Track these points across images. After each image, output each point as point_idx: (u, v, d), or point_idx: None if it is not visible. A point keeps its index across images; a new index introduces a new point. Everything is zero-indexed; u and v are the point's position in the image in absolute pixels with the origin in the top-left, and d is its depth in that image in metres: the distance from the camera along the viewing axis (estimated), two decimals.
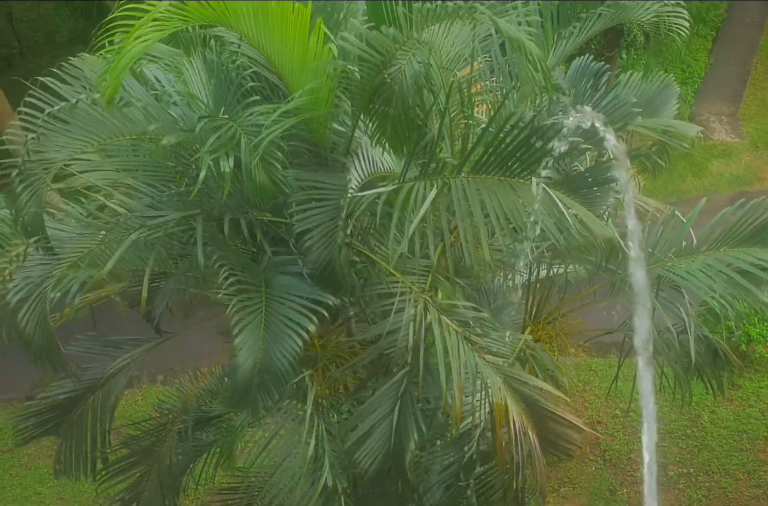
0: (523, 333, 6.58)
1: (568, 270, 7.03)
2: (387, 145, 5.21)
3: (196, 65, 5.29)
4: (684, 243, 6.41)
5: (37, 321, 5.18)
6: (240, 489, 7.26)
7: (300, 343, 5.11)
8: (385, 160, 5.53)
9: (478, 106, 5.93)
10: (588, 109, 5.29)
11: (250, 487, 7.05)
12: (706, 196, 6.77)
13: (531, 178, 4.57)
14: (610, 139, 5.10)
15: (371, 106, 4.97)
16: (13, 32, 16.52)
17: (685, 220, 6.44)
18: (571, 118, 5.07)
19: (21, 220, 4.75)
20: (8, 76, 14.88)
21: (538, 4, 5.89)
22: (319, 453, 5.92)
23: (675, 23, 6.16)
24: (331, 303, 5.27)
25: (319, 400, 6.05)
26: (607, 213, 5.52)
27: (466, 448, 6.28)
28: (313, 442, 5.79)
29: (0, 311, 5.34)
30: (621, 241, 5.60)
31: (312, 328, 5.14)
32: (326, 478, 5.87)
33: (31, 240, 4.84)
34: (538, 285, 6.80)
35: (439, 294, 5.50)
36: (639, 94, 6.82)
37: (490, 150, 4.67)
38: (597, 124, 5.10)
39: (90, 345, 6.93)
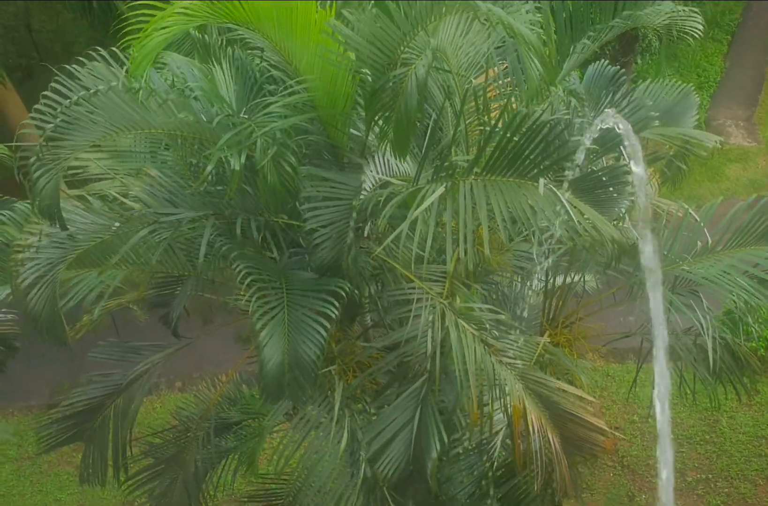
0: (541, 336, 6.58)
1: (586, 279, 7.03)
2: (391, 147, 5.25)
3: (223, 66, 5.35)
4: (699, 244, 6.40)
5: (47, 299, 5.27)
6: (277, 492, 7.33)
7: (324, 333, 5.14)
8: (400, 163, 5.56)
9: (494, 111, 5.96)
10: (611, 111, 5.28)
11: (287, 490, 7.10)
12: (723, 200, 6.72)
13: (540, 179, 4.58)
14: (631, 142, 5.10)
15: (375, 106, 5.02)
16: (33, 43, 16.69)
17: (699, 219, 6.43)
18: (595, 121, 5.07)
19: (38, 203, 4.82)
20: (28, 86, 15.05)
21: (552, 7, 5.91)
22: (354, 446, 5.93)
23: (689, 26, 6.16)
24: (346, 291, 5.28)
25: (347, 396, 6.07)
26: (623, 213, 5.51)
27: (485, 458, 6.28)
28: (345, 435, 5.79)
29: (16, 288, 5.44)
30: (637, 238, 5.60)
31: (334, 315, 5.16)
32: (364, 469, 5.88)
33: (44, 210, 4.88)
34: (556, 290, 6.79)
35: (458, 299, 5.51)
36: (657, 103, 6.82)
37: (499, 150, 4.68)
38: (619, 126, 5.10)
39: (111, 351, 6.99)
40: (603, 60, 6.82)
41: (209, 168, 4.68)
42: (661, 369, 6.06)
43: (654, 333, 5.90)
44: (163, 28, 4.21)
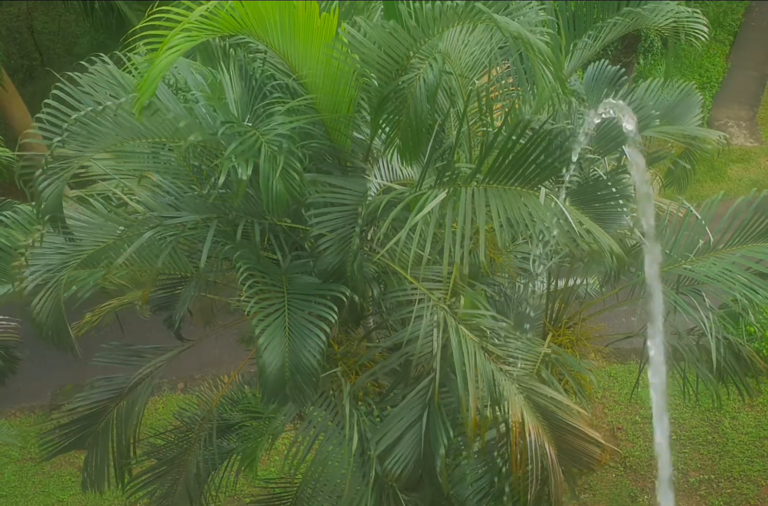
0: (544, 338, 6.58)
1: (588, 281, 7.02)
2: (399, 152, 5.24)
3: (226, 71, 5.35)
4: (701, 241, 6.39)
5: (51, 306, 5.26)
6: (285, 495, 7.33)
7: (324, 338, 5.13)
8: (404, 167, 5.56)
9: (496, 112, 5.95)
10: (621, 102, 5.25)
11: (296, 491, 7.09)
12: (725, 200, 6.69)
13: (541, 188, 4.57)
14: (633, 141, 5.09)
15: (384, 112, 5.01)
16: (35, 44, 16.73)
17: (700, 217, 6.42)
18: (600, 110, 5.05)
19: (41, 209, 4.81)
20: (30, 87, 15.07)
21: (555, 9, 5.90)
22: (364, 446, 5.91)
23: (693, 28, 6.16)
24: (347, 296, 5.29)
25: (353, 399, 6.05)
26: (628, 219, 5.49)
27: (496, 454, 6.25)
28: (356, 437, 5.77)
29: (17, 295, 5.42)
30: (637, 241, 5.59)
31: (334, 319, 5.15)
32: (375, 469, 5.86)
33: (47, 217, 4.86)
34: (559, 291, 6.78)
35: (461, 302, 5.50)
36: (659, 102, 6.80)
37: (502, 157, 4.68)
38: (625, 123, 5.08)
39: (114, 355, 6.97)
40: (603, 59, 6.80)
41: (221, 179, 4.64)
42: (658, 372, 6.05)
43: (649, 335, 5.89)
44: (172, 47, 4.20)
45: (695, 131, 6.70)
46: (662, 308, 5.97)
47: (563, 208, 4.56)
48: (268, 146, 4.74)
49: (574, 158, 4.92)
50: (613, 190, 5.07)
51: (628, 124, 5.13)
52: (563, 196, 4.77)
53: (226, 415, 7.19)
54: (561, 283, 6.69)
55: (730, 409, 11.09)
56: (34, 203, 4.88)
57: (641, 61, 16.05)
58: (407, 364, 5.73)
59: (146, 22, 4.43)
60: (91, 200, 5.65)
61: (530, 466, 5.42)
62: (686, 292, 6.50)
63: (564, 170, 4.76)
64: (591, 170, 5.60)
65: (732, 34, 17.62)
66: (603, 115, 5.19)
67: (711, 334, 6.22)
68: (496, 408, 5.44)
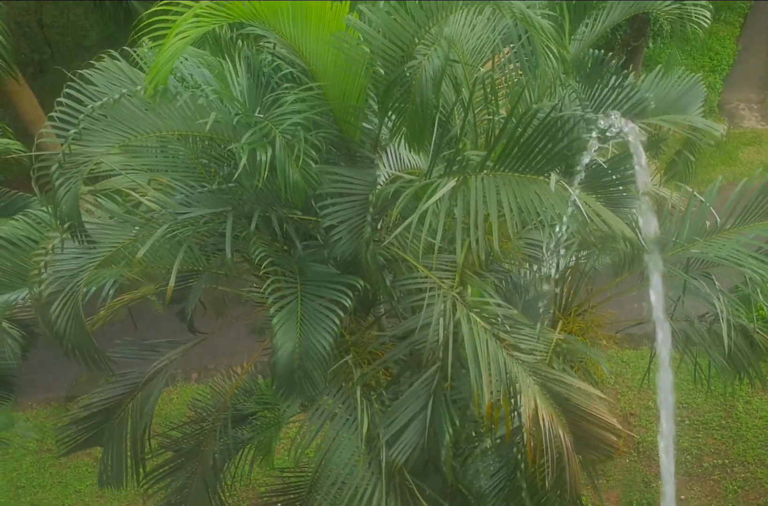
0: (554, 325, 6.58)
1: (596, 258, 6.99)
2: (405, 140, 5.24)
3: (232, 63, 5.35)
4: (708, 223, 6.38)
5: (70, 315, 5.22)
6: (301, 484, 7.36)
7: (337, 322, 5.14)
8: (413, 156, 5.56)
9: (501, 99, 5.94)
10: (615, 114, 5.25)
11: (311, 480, 7.10)
12: (734, 181, 6.67)
13: (551, 175, 4.57)
14: (633, 138, 5.07)
15: (390, 100, 5.02)
16: (44, 38, 16.77)
17: (704, 200, 6.41)
18: (599, 124, 5.05)
19: (58, 212, 4.80)
20: (40, 81, 15.12)
21: None
22: (372, 433, 5.88)
23: (696, 12, 6.13)
24: (360, 286, 5.30)
25: (363, 385, 6.05)
26: (635, 208, 5.48)
27: (515, 450, 6.23)
28: (366, 422, 5.75)
29: (35, 303, 5.38)
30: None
31: (348, 304, 5.16)
32: (383, 458, 5.83)
33: (66, 225, 4.85)
34: (567, 276, 6.77)
35: (469, 290, 5.50)
36: (663, 95, 6.77)
37: (510, 145, 4.68)
38: (623, 127, 5.06)
39: (128, 350, 6.99)
40: (592, 49, 6.72)
41: (243, 161, 4.65)
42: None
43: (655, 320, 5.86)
44: (181, 33, 4.21)
45: (697, 121, 6.65)
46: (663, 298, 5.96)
47: (573, 195, 4.56)
48: (283, 135, 4.75)
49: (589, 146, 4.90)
50: (615, 177, 5.05)
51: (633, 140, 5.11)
52: (575, 184, 4.75)
53: (240, 406, 7.23)
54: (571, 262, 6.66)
55: (744, 394, 11.08)
56: (50, 206, 4.87)
57: (650, 45, 15.94)
58: (415, 353, 5.74)
59: (156, 8, 4.43)
60: (104, 201, 5.66)
61: (546, 456, 5.40)
62: (696, 276, 6.49)
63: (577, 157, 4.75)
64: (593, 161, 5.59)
65: (742, 17, 17.48)
66: (608, 129, 5.16)
67: (722, 318, 6.20)
68: (510, 395, 5.44)
